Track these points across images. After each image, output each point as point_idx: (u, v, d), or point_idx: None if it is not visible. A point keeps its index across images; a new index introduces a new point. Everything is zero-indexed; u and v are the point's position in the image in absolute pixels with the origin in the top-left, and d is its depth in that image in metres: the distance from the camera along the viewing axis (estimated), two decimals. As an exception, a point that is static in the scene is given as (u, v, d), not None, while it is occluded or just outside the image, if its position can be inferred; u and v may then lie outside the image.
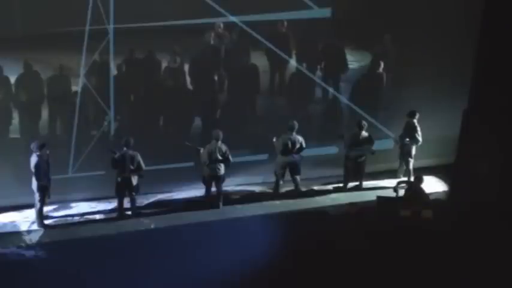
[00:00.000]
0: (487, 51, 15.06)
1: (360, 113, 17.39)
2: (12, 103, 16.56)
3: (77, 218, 15.42)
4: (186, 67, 17.50)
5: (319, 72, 18.35)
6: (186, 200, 16.27)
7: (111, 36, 15.93)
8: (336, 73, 18.41)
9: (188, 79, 17.54)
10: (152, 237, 14.96)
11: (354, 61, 18.96)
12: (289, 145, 16.14)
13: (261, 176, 17.01)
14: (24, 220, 15.17)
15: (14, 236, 14.72)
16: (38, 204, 14.90)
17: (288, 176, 16.46)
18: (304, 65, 18.09)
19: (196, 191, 16.34)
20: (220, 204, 15.99)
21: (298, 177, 16.47)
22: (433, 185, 16.88)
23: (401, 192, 15.78)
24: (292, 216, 15.80)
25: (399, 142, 17.03)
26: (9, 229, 14.92)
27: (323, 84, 18.32)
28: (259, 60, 17.91)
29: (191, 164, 16.48)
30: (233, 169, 16.17)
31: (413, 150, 16.89)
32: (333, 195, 16.71)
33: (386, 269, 13.81)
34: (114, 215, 15.54)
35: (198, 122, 17.54)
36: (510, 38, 14.72)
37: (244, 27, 16.75)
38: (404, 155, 16.99)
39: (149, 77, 17.32)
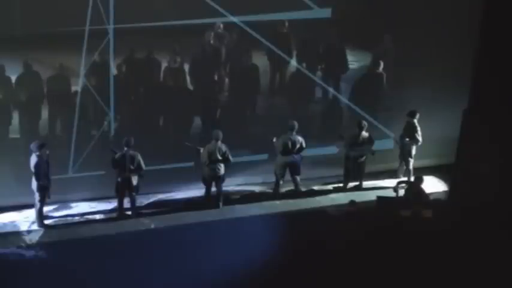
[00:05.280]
0: (487, 51, 15.05)
1: (360, 113, 17.39)
2: (12, 103, 16.54)
3: (77, 218, 15.43)
4: (186, 67, 17.50)
5: (319, 72, 18.35)
6: (186, 200, 16.27)
7: (111, 36, 15.93)
8: (336, 73, 18.40)
9: (188, 79, 17.54)
10: (152, 237, 14.96)
11: (354, 61, 18.94)
12: (289, 145, 16.13)
13: (261, 176, 17.01)
14: (24, 220, 15.17)
15: (14, 236, 14.72)
16: (38, 204, 14.90)
17: (288, 176, 16.46)
18: (304, 65, 18.09)
19: (196, 191, 16.34)
20: (220, 204, 15.99)
21: (298, 177, 16.47)
22: (433, 185, 16.88)
23: (401, 192, 15.78)
24: (292, 216, 15.80)
25: (399, 142, 17.03)
26: (9, 229, 14.92)
27: (323, 84, 18.32)
28: (260, 60, 17.91)
29: (191, 164, 16.48)
30: (233, 169, 16.18)
31: (414, 150, 16.90)
32: (333, 195, 16.71)
33: (386, 269, 13.81)
34: (114, 215, 15.54)
35: (198, 122, 17.54)
36: (510, 38, 14.71)
37: (244, 27, 16.75)
38: (405, 155, 17.00)
39: (149, 77, 17.32)
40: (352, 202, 15.25)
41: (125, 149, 15.06)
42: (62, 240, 14.67)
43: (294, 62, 18.11)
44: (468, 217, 14.94)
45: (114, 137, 16.45)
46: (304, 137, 16.27)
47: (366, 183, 17.01)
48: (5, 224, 15.03)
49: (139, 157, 15.12)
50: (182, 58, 17.30)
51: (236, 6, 16.50)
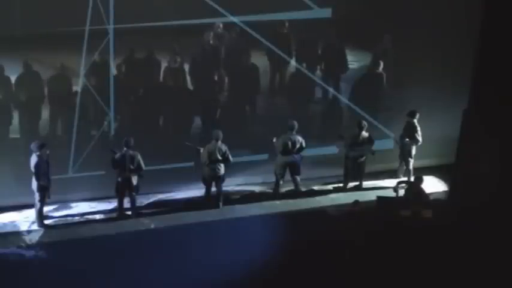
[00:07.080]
0: (487, 51, 15.04)
1: (360, 113, 17.39)
2: (12, 103, 16.54)
3: (77, 218, 15.43)
4: (186, 67, 17.50)
5: (319, 72, 18.35)
6: (186, 200, 16.27)
7: (111, 36, 15.93)
8: (336, 73, 18.40)
9: (188, 79, 17.55)
10: (152, 237, 14.96)
11: (354, 61, 18.95)
12: (289, 145, 16.13)
13: (261, 176, 17.01)
14: (24, 220, 15.18)
15: (14, 236, 14.72)
16: (38, 204, 14.90)
17: (288, 176, 16.45)
18: (304, 65, 18.08)
19: (196, 191, 16.34)
20: (220, 204, 15.99)
21: (298, 177, 16.47)
22: (433, 185, 16.88)
23: (402, 192, 15.78)
24: (292, 216, 15.80)
25: (399, 142, 17.03)
26: (9, 229, 14.92)
27: (323, 84, 18.32)
28: (259, 60, 17.91)
29: (191, 164, 16.48)
30: (233, 169, 16.18)
31: (413, 150, 16.90)
32: (333, 195, 16.71)
33: (386, 269, 13.81)
34: (114, 215, 15.54)
35: (198, 122, 17.54)
36: (510, 38, 14.71)
37: (244, 27, 16.75)
38: (405, 155, 17.00)
39: (149, 77, 17.32)
40: (356, 202, 15.22)
41: (125, 149, 15.06)
42: (62, 240, 14.68)
43: (294, 62, 18.11)
44: (468, 217, 14.93)
45: (114, 137, 16.46)
46: (304, 137, 16.27)
47: (366, 183, 17.01)
48: (5, 224, 15.03)
49: (139, 157, 15.12)
50: (182, 58, 17.31)
51: (236, 6, 16.50)
